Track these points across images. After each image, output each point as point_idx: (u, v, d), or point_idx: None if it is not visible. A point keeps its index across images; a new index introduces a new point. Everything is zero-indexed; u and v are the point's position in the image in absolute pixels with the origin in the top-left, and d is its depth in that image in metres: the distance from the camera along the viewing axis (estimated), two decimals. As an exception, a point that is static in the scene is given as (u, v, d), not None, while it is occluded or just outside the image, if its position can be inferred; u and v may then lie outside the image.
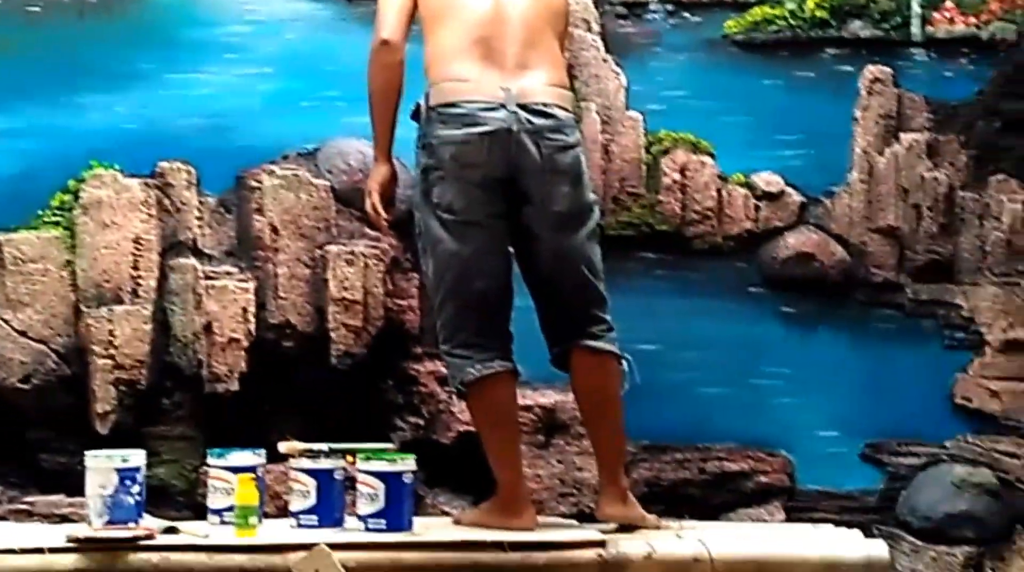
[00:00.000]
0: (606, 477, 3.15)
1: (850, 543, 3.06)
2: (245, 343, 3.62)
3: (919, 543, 3.81)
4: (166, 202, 3.65)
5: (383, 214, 3.25)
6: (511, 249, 3.17)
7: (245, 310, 3.61)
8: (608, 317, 3.19)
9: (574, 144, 3.13)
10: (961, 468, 3.84)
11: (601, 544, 2.92)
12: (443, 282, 3.08)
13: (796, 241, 3.90)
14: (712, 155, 3.89)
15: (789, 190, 3.91)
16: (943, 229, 3.92)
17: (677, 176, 3.86)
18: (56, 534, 2.85)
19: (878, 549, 3.01)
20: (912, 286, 3.93)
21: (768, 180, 3.91)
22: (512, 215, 3.09)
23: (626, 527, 3.13)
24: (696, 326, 3.86)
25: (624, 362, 3.18)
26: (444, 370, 3.64)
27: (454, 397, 3.56)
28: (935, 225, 3.91)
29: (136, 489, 2.87)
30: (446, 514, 3.49)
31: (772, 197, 3.90)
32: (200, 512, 3.45)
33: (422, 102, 3.14)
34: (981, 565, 3.79)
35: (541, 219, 3.08)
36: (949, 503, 3.80)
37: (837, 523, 3.46)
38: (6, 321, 3.52)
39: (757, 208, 3.90)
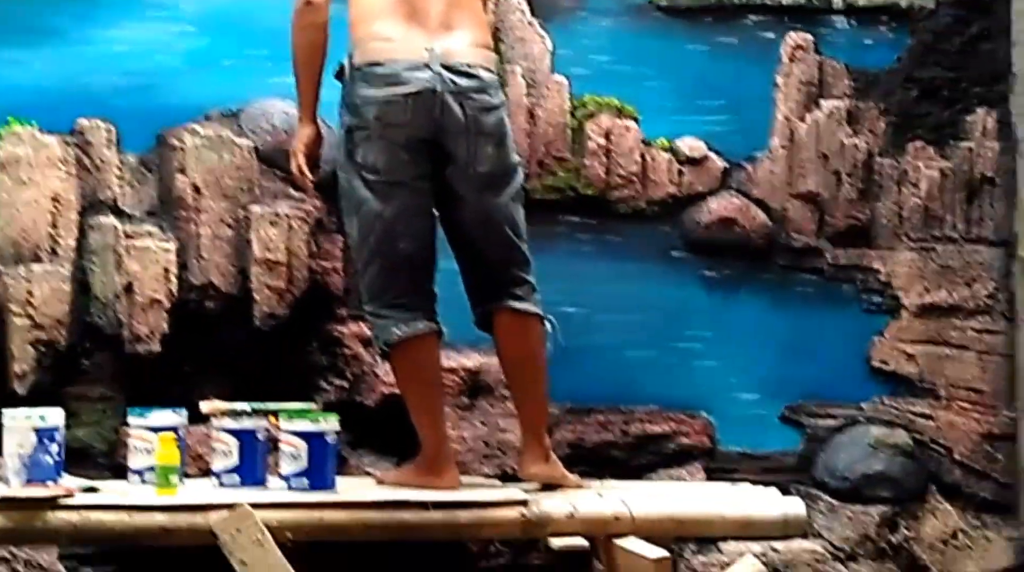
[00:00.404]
0: (529, 437, 3.18)
1: (767, 501, 3.12)
2: (167, 304, 3.58)
3: (836, 502, 3.87)
4: (85, 160, 3.59)
5: (308, 175, 3.24)
6: (435, 210, 3.17)
7: (167, 270, 3.57)
8: (532, 279, 3.21)
9: (498, 105, 3.14)
10: (877, 429, 3.91)
11: (523, 503, 2.95)
12: (367, 242, 3.08)
13: (718, 206, 3.93)
14: (636, 120, 3.91)
15: (712, 155, 3.94)
16: (862, 195, 3.97)
17: (602, 141, 3.88)
18: (-27, 494, 2.82)
19: (794, 506, 3.08)
20: (831, 251, 3.98)
21: (691, 145, 3.94)
22: (436, 176, 3.09)
23: (549, 486, 3.16)
24: (619, 290, 3.88)
25: (548, 323, 3.20)
26: (368, 332, 3.65)
27: (378, 359, 3.56)
28: (854, 191, 3.96)
29: (55, 449, 2.85)
30: (370, 476, 3.49)
31: (695, 162, 3.93)
32: (121, 474, 3.42)
33: (346, 62, 3.12)
34: (895, 524, 3.87)
35: (465, 180, 3.08)
36: (865, 463, 3.86)
37: (756, 483, 3.51)
38: (-79, 280, 3.45)
39: (680, 173, 3.92)
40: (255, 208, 3.62)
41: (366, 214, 3.07)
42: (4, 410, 2.87)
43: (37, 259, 3.49)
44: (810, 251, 3.98)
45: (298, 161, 3.22)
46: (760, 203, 3.96)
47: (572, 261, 3.84)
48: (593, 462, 3.74)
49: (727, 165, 3.95)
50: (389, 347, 3.09)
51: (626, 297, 3.89)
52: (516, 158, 3.20)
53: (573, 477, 3.22)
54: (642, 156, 3.90)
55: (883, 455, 3.87)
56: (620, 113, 3.90)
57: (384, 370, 3.67)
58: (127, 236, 3.57)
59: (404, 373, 3.11)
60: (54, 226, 3.50)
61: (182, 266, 3.60)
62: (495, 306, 3.15)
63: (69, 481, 2.90)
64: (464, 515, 2.92)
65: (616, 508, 2.99)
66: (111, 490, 2.94)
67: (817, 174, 3.95)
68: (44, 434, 2.84)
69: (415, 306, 3.08)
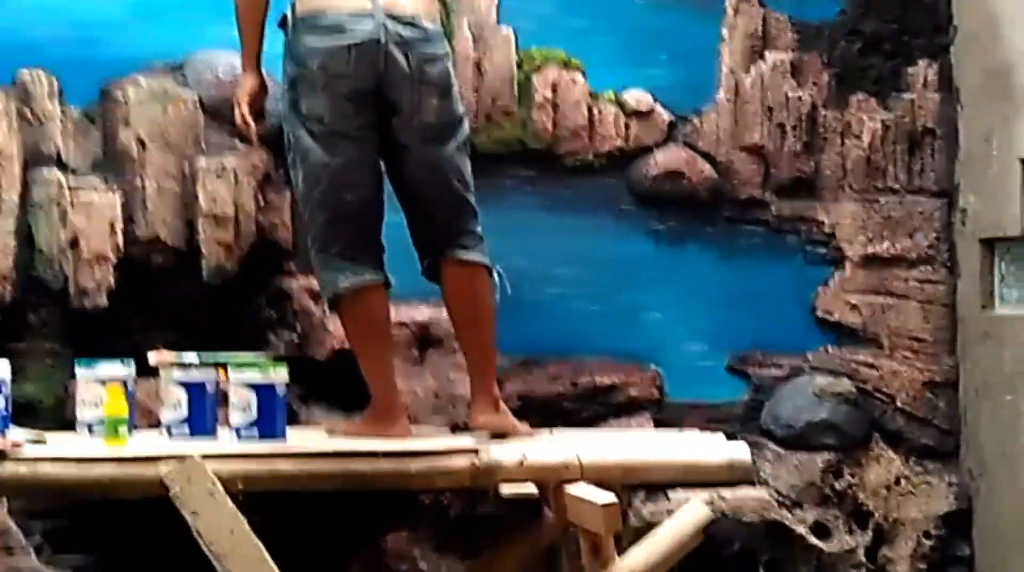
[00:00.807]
0: (478, 386, 3.20)
1: (713, 447, 3.17)
2: (113, 258, 3.54)
3: (782, 451, 3.93)
4: (27, 113, 3.53)
5: (252, 124, 3.22)
6: (382, 162, 3.17)
7: (112, 225, 3.53)
8: (479, 229, 3.22)
9: (442, 55, 3.13)
10: (822, 378, 3.96)
11: (474, 452, 2.97)
12: (313, 194, 3.08)
13: (665, 159, 3.95)
14: (583, 72, 3.92)
15: (658, 108, 3.96)
16: (806, 147, 4.01)
17: (548, 93, 3.88)
18: (-81, 448, 2.79)
19: (739, 451, 3.12)
20: (776, 203, 4.02)
21: (638, 98, 3.95)
22: (382, 127, 3.09)
23: (498, 435, 3.18)
24: (568, 243, 3.89)
25: (495, 274, 3.21)
26: (317, 286, 3.65)
27: (328, 313, 3.57)
28: (799, 143, 4.00)
29: (1, 402, 2.82)
30: (320, 427, 3.49)
31: (642, 115, 3.95)
32: (69, 428, 3.40)
33: (289, 11, 3.10)
34: (840, 470, 3.93)
35: (410, 130, 3.08)
36: (810, 412, 3.92)
37: (704, 433, 3.56)
38: None
39: (627, 126, 3.94)
40: (201, 161, 3.60)
41: (312, 165, 3.06)
42: (-51, 364, 2.84)
43: (-19, 213, 3.44)
44: (755, 203, 4.02)
45: (241, 110, 3.20)
46: (706, 155, 3.99)
47: (520, 214, 3.84)
48: (543, 413, 3.77)
49: (673, 118, 3.98)
50: (337, 298, 3.09)
51: (575, 250, 3.90)
52: (462, 109, 3.20)
53: (523, 426, 3.24)
54: (589, 109, 3.91)
55: (827, 404, 3.92)
56: (567, 66, 3.91)
57: (334, 324, 3.67)
58: (71, 190, 3.53)
59: (352, 324, 3.12)
60: (-4, 180, 3.46)
61: (128, 220, 3.57)
62: (442, 256, 3.16)
63: (17, 434, 2.88)
64: (415, 464, 2.93)
65: (565, 455, 3.02)
66: (60, 442, 2.92)
67: (762, 126, 3.98)
68: (-10, 387, 2.81)
69: (362, 258, 3.09)
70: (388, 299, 3.19)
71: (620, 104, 3.94)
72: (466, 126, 3.21)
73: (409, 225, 3.21)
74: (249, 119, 3.19)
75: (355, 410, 3.52)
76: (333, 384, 3.67)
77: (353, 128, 3.05)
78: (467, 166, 3.20)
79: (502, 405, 3.23)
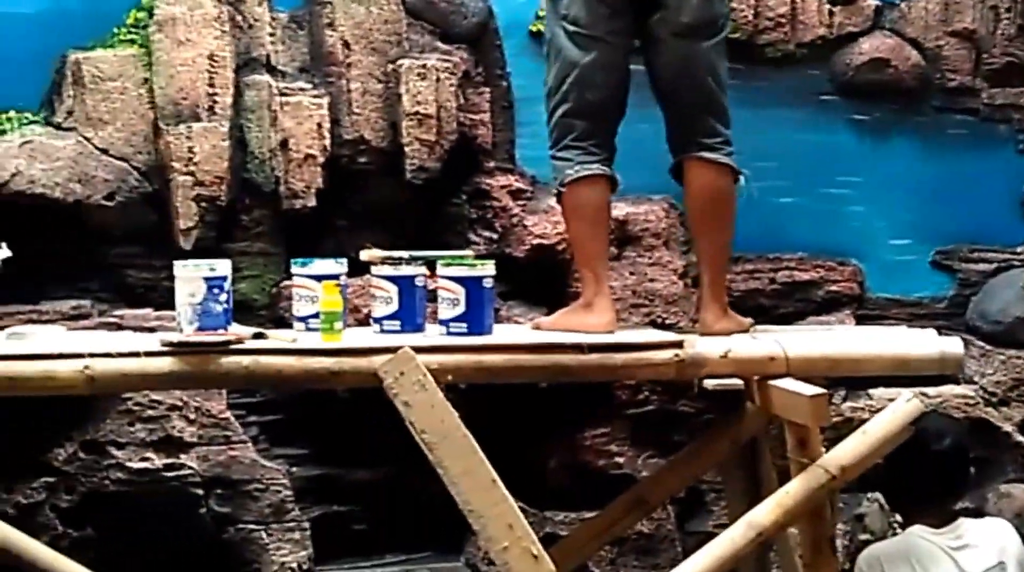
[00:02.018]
0: (712, 293, 3.19)
1: (923, 340, 3.10)
2: (321, 159, 3.65)
3: (988, 347, 3.84)
4: (239, 19, 3.64)
5: None
6: (641, 59, 3.15)
7: (320, 126, 3.63)
8: (727, 132, 3.19)
9: None
10: (1033, 272, 3.85)
11: (678, 345, 2.97)
12: (560, 89, 3.12)
13: (870, 47, 3.84)
14: (785, -40, 3.83)
15: (863, -6, 3.85)
16: (1021, 31, 3.84)
17: (751, -18, 3.81)
18: (150, 341, 2.94)
19: (952, 345, 3.05)
20: (987, 90, 3.88)
21: (842, -16, 3.84)
22: (639, 25, 3.09)
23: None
24: (767, 136, 3.83)
25: (741, 177, 3.18)
26: (516, 184, 3.69)
27: (525, 211, 3.61)
28: (1013, 27, 3.84)
29: (223, 297, 2.93)
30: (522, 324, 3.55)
31: (846, 1, 3.83)
32: (281, 325, 3.54)
33: None
34: (1051, 367, 3.83)
35: (668, 25, 3.08)
36: (1020, 307, 3.81)
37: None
38: (88, 139, 3.56)
39: (831, 13, 3.84)
40: (404, 61, 3.65)
41: (563, 61, 3.12)
42: (175, 261, 2.97)
43: (196, 118, 3.56)
44: (965, 91, 3.89)
45: None
46: (913, 42, 3.86)
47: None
48: (742, 310, 3.69)
49: (879, 3, 3.86)
50: (563, 186, 3.12)
51: (774, 143, 3.85)
52: (723, 8, 3.16)
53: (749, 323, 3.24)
54: (791, -3, 3.83)
55: (1039, 298, 3.81)
56: (769, -47, 3.82)
57: (533, 222, 3.72)
58: (281, 93, 3.63)
59: (572, 213, 3.15)
60: (211, 84, 3.56)
61: (334, 121, 3.66)
62: (686, 155, 3.15)
63: (238, 329, 3.00)
64: (619, 357, 2.95)
65: (771, 349, 3.00)
66: (278, 337, 3.03)
67: (973, 9, 3.83)
68: (213, 283, 2.91)
69: (592, 151, 3.12)
70: (610, 197, 3.20)
71: (823, -9, 3.84)
72: (727, 27, 3.18)
73: (665, 124, 3.21)
74: None
75: (554, 306, 3.56)
76: (532, 281, 3.72)
77: (605, 32, 3.08)
78: (723, 66, 3.17)
79: (729, 310, 3.22)
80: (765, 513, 2.85)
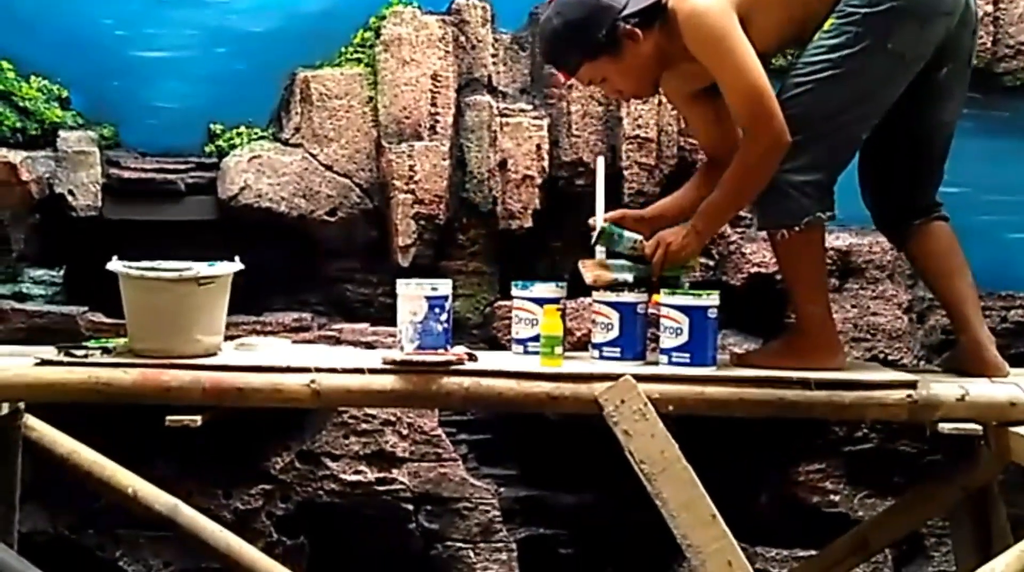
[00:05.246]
0: (985, 332, 3.08)
1: None
2: (539, 180, 3.63)
3: None
4: (462, 39, 3.65)
5: None
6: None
7: (539, 147, 3.62)
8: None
9: None
10: None
11: (912, 385, 2.85)
12: (840, 114, 2.89)
13: (1117, 76, 3.64)
14: (1025, -18, 3.66)
15: (1111, 19, 3.65)
16: None
17: (989, 8, 3.64)
18: (371, 357, 2.96)
19: None
20: None
21: (1090, 9, 3.65)
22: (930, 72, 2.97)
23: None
24: (1004, 168, 3.69)
25: None
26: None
27: (743, 239, 3.52)
28: None
29: (444, 317, 2.93)
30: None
31: (1094, 26, 3.65)
32: (493, 345, 3.54)
33: None
34: None
35: (961, 78, 3.01)
36: None
37: None
38: (313, 155, 3.62)
39: (1077, 39, 3.66)
40: (625, 84, 3.60)
41: (862, 86, 2.89)
42: (398, 279, 2.98)
43: (418, 136, 3.59)
44: None
45: None
46: None
47: (954, 138, 3.64)
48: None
49: None
50: (809, 224, 2.95)
51: (1010, 176, 3.70)
52: None
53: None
54: (1032, 23, 3.65)
55: None
56: (1009, -23, 3.65)
57: (750, 249, 3.63)
58: (501, 114, 3.63)
59: (805, 252, 2.96)
60: (433, 104, 3.59)
61: (553, 143, 3.64)
62: (916, 217, 3.09)
63: (457, 349, 3.00)
64: (849, 395, 2.84)
65: (1012, 393, 2.85)
66: (495, 359, 3.02)
67: None
68: (435, 303, 2.93)
69: (832, 191, 2.98)
70: None
71: (1070, 17, 3.65)
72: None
73: (896, 180, 3.09)
74: None
75: (769, 335, 3.47)
76: (748, 309, 3.62)
77: (913, 72, 2.94)
78: None
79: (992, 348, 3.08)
80: (1006, 565, 2.70)
